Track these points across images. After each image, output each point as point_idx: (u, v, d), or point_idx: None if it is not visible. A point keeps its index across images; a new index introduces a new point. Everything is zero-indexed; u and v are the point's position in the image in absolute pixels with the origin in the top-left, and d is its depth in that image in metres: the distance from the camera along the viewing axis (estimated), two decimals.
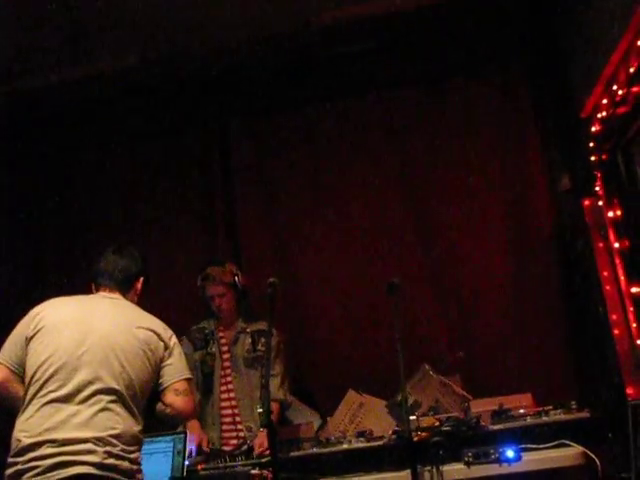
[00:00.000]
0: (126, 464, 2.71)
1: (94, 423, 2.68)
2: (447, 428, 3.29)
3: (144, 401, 2.89)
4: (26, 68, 4.78)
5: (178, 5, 4.36)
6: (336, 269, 4.82)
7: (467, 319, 4.70)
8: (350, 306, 4.78)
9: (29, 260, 5.18)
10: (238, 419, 4.09)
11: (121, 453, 2.70)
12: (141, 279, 3.15)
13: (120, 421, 2.74)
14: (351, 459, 3.39)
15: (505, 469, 3.11)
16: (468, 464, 3.10)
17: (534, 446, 3.22)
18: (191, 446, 3.74)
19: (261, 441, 3.80)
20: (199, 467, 3.55)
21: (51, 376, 2.75)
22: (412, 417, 3.15)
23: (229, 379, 4.15)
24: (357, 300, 4.74)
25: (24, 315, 2.94)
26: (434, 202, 4.79)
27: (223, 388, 4.14)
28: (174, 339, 3.02)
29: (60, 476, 2.59)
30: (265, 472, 3.32)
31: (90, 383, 2.74)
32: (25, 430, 2.68)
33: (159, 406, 2.94)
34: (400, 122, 4.89)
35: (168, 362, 2.95)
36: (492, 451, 3.08)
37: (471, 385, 4.35)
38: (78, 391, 2.73)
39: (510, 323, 4.60)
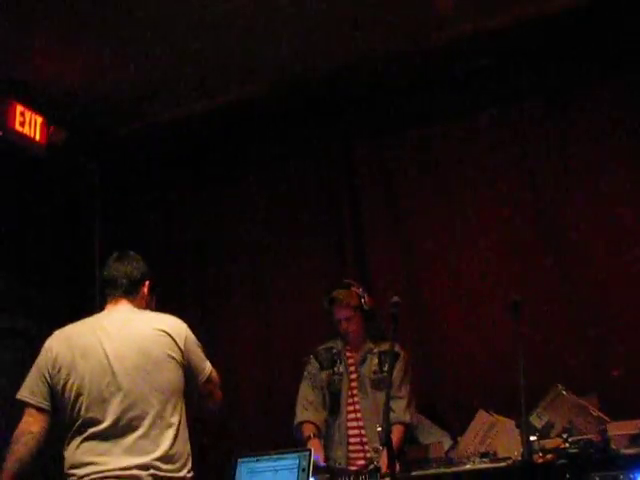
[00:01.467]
0: None
1: (136, 450, 2.74)
2: (574, 450, 3.15)
3: (181, 411, 2.90)
4: (161, 102, 5.11)
5: (298, 31, 4.52)
6: (465, 288, 4.75)
7: (604, 336, 4.46)
8: (480, 325, 4.67)
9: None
10: (365, 439, 4.07)
11: (167, 474, 2.76)
12: (147, 283, 3.11)
13: (161, 442, 2.79)
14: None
15: None
16: None
17: None
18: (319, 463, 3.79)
19: (386, 460, 3.80)
20: None
21: (85, 414, 2.79)
22: (533, 437, 3.04)
23: (356, 399, 4.15)
24: (487, 319, 4.62)
25: None
26: (566, 216, 4.62)
27: (350, 408, 4.15)
28: (186, 332, 2.97)
29: None
30: None
31: (123, 412, 2.78)
32: (73, 465, 2.78)
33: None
34: (526, 136, 4.76)
35: (186, 362, 2.92)
36: (622, 477, 2.91)
37: (610, 407, 4.14)
38: (114, 422, 2.78)
39: None
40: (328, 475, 3.81)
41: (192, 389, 2.94)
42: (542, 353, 4.41)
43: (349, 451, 4.09)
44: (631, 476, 2.93)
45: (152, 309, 3.16)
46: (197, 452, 4.96)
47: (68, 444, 2.83)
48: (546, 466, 3.03)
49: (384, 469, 3.74)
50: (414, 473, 3.44)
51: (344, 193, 5.21)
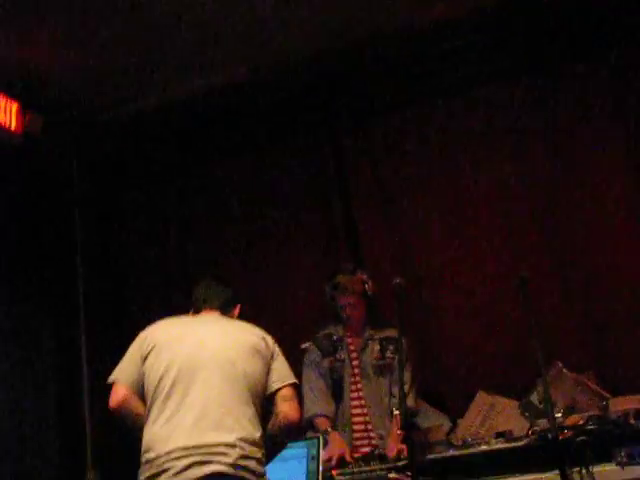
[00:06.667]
0: (253, 464, 2.76)
1: (222, 426, 2.76)
2: (593, 427, 3.13)
3: (261, 406, 2.93)
4: (142, 87, 4.95)
5: (281, 15, 4.42)
6: (459, 266, 4.71)
7: (598, 313, 4.47)
8: (475, 304, 4.64)
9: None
10: (370, 427, 4.02)
11: (250, 454, 2.76)
12: (238, 306, 3.27)
13: (244, 424, 2.80)
14: (492, 461, 3.26)
15: None
16: (621, 465, 2.93)
17: None
18: (328, 455, 3.73)
19: (393, 445, 3.75)
20: (333, 472, 3.52)
21: (174, 387, 2.83)
22: (558, 415, 3.01)
23: (359, 386, 4.09)
24: (482, 298, 4.61)
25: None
26: (560, 198, 4.61)
27: (354, 395, 4.09)
28: (277, 346, 3.09)
29: (195, 475, 2.66)
30: (403, 476, 3.26)
31: (212, 388, 2.82)
32: (155, 441, 2.76)
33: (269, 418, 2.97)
34: (518, 114, 4.73)
35: (274, 366, 3.01)
36: None
37: (606, 383, 4.16)
38: (202, 397, 2.80)
39: None
40: (332, 463, 3.74)
41: (272, 390, 2.97)
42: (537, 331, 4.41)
43: (354, 438, 4.02)
44: None
45: None
46: None
47: (154, 421, 2.81)
48: (568, 443, 3.00)
49: (390, 454, 3.72)
50: (430, 457, 3.38)
51: (333, 176, 5.15)
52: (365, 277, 4.13)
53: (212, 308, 3.16)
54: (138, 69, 4.70)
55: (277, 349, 3.06)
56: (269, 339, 3.06)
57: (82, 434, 4.90)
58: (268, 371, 2.97)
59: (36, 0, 4.10)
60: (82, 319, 5.08)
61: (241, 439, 2.75)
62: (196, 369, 2.85)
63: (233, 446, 2.72)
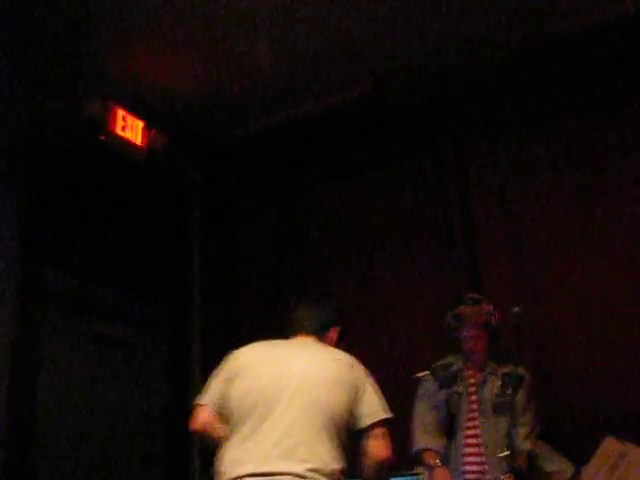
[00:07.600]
0: None
1: (294, 455, 2.63)
2: None
3: (346, 438, 2.77)
4: (263, 107, 5.00)
5: (407, 29, 4.38)
6: (588, 294, 4.40)
7: None
8: (607, 337, 4.31)
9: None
10: (485, 468, 3.75)
11: None
12: (336, 329, 3.12)
13: (320, 455, 2.66)
14: None
15: None
16: None
17: None
18: None
19: None
20: None
21: (252, 411, 2.75)
22: None
23: (476, 423, 3.84)
24: (615, 329, 4.27)
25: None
26: None
27: (469, 432, 3.84)
28: (369, 376, 2.91)
29: None
30: None
31: (290, 416, 2.71)
32: (226, 464, 2.70)
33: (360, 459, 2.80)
34: None
35: (365, 399, 2.82)
36: None
37: None
38: (279, 424, 2.70)
39: None
40: None
41: (362, 427, 2.80)
42: None
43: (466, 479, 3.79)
44: None
45: None
46: None
47: (229, 443, 2.76)
48: None
49: None
50: None
51: (455, 197, 4.95)
52: (490, 308, 3.90)
53: (307, 333, 3.06)
54: (257, 90, 4.81)
55: (369, 379, 2.88)
56: (359, 368, 2.90)
57: (189, 444, 4.94)
58: (356, 402, 2.80)
59: (165, 26, 4.30)
60: (195, 329, 5.20)
61: (312, 469, 2.61)
62: (276, 395, 2.74)
63: (302, 477, 2.59)
